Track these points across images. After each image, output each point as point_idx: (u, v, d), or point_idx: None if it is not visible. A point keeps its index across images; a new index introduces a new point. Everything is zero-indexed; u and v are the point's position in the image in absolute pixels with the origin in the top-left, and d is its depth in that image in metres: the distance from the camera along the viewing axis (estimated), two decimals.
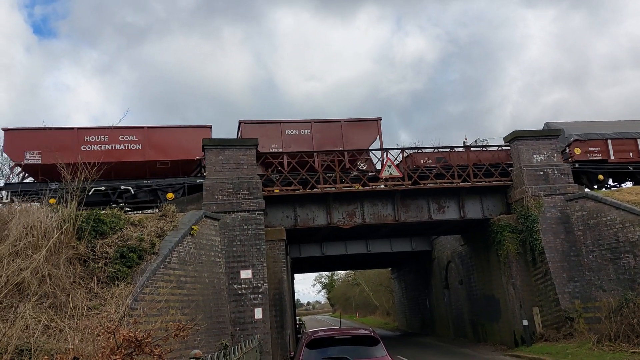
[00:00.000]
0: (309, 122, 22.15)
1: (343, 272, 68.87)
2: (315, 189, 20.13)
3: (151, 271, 13.58)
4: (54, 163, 16.32)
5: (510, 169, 21.54)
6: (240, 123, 21.91)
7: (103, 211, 15.35)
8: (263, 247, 18.17)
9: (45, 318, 11.06)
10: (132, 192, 19.31)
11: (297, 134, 21.87)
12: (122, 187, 19.31)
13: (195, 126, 21.00)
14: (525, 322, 19.47)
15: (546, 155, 21.04)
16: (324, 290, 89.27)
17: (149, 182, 19.70)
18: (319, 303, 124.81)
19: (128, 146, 19.77)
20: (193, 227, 16.24)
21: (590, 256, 19.29)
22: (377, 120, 22.66)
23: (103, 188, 18.79)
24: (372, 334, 9.31)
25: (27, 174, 19.65)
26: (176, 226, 16.03)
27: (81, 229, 13.95)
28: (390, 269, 44.06)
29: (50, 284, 11.96)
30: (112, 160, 18.94)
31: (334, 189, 20.19)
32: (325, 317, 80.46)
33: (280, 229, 19.59)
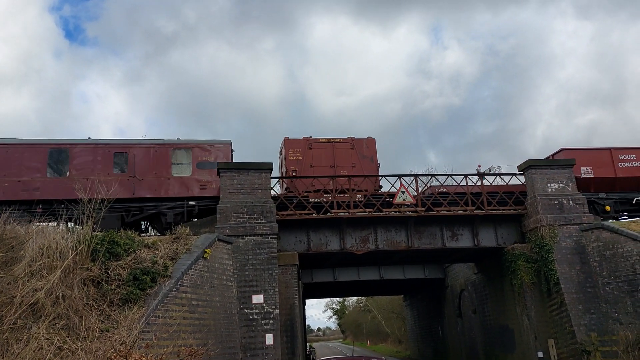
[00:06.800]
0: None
1: (354, 298, 68.26)
2: (328, 214, 20.14)
3: (164, 294, 13.61)
4: (603, 177, 21.92)
5: (525, 197, 21.40)
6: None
7: (117, 233, 15.49)
8: (275, 271, 18.13)
9: (57, 339, 11.10)
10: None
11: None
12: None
13: None
14: (540, 354, 19.07)
15: (561, 185, 20.90)
16: (335, 317, 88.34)
17: None
18: (330, 329, 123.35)
19: None
20: (206, 250, 16.29)
21: (606, 288, 18.94)
22: None
23: None
24: None
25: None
26: (189, 249, 16.09)
27: (95, 251, 14.05)
28: (402, 296, 43.55)
29: (63, 305, 12.03)
30: None
31: (347, 214, 20.19)
32: (336, 344, 79.40)
33: (293, 254, 19.56)
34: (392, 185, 21.29)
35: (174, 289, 14.16)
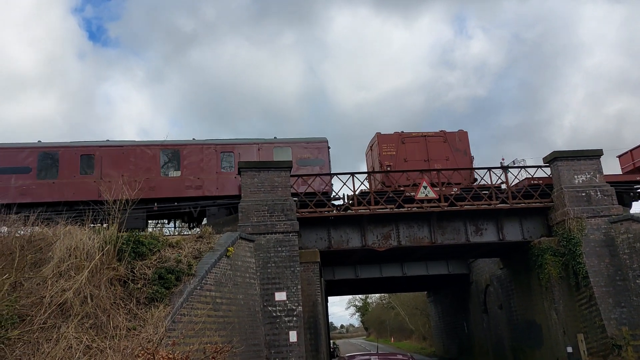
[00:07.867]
0: None
1: (377, 295, 67.95)
2: (349, 211, 20.04)
3: (188, 292, 13.73)
4: None
5: (551, 190, 20.98)
6: None
7: (142, 233, 15.69)
8: (297, 269, 18.14)
9: (86, 338, 11.29)
10: None
11: None
12: None
13: None
14: (569, 350, 18.70)
15: (588, 176, 20.43)
16: (357, 314, 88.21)
17: None
18: (353, 326, 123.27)
19: None
20: (229, 248, 16.38)
21: (637, 281, 18.46)
22: None
23: None
24: (410, 359, 9.13)
25: None
26: (212, 248, 16.21)
27: (121, 251, 14.24)
28: (426, 292, 43.22)
29: (91, 305, 12.22)
30: None
31: (368, 210, 20.07)
32: (359, 341, 79.24)
33: (315, 251, 19.54)
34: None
35: (198, 287, 14.27)
